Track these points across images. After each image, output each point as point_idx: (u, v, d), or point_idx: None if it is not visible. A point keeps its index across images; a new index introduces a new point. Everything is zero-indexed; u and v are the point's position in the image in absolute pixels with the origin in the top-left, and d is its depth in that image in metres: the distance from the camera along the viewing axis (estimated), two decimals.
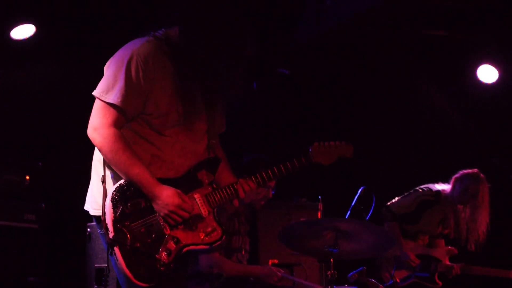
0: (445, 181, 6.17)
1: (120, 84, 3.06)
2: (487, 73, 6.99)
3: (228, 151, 3.58)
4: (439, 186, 6.12)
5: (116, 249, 2.92)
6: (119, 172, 3.07)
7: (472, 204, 6.00)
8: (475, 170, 6.06)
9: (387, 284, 5.11)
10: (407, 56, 7.19)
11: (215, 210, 3.23)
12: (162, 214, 3.05)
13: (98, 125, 3.07)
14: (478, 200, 5.97)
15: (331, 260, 4.11)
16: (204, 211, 3.17)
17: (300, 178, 7.83)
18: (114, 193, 3.02)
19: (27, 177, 5.29)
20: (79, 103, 6.32)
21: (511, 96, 7.05)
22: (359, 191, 5.49)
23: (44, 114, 6.29)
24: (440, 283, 6.05)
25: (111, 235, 2.93)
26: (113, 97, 3.05)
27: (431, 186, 6.13)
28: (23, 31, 5.92)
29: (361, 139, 7.92)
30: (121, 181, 3.06)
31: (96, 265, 5.20)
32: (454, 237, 6.14)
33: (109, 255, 2.98)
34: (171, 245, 3.04)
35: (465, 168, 6.21)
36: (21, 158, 5.42)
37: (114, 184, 3.07)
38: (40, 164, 5.42)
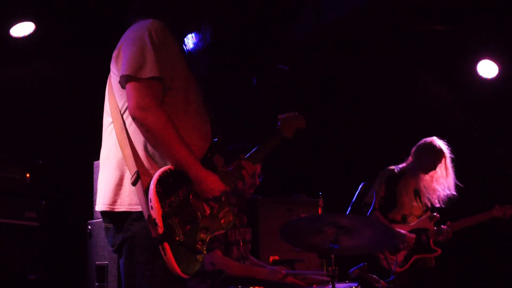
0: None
1: (151, 57, 3.01)
2: (487, 68, 6.99)
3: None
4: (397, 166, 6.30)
5: (166, 245, 2.87)
6: (166, 153, 3.00)
7: (435, 170, 6.18)
8: (433, 138, 6.21)
9: (389, 279, 5.10)
10: (406, 51, 7.19)
11: (227, 194, 3.25)
12: (204, 197, 3.07)
13: (147, 105, 2.96)
14: (442, 165, 6.15)
15: (332, 256, 4.12)
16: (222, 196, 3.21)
17: (301, 174, 7.86)
18: (158, 186, 2.92)
19: (28, 175, 5.28)
20: (79, 101, 6.37)
21: (511, 91, 7.05)
22: (359, 187, 5.48)
23: (44, 111, 6.29)
24: (439, 250, 6.11)
25: (161, 230, 2.86)
26: (150, 70, 2.99)
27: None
28: (22, 29, 5.92)
29: (361, 134, 7.94)
30: (159, 172, 2.97)
31: (97, 263, 5.20)
32: (432, 204, 6.23)
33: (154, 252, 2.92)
34: (203, 234, 3.07)
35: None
36: (21, 156, 5.41)
37: (150, 177, 2.99)
38: (40, 161, 5.41)
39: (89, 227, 5.35)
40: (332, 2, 6.58)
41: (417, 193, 6.23)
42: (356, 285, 4.50)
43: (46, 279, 5.24)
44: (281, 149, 7.90)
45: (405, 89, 7.49)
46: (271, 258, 5.14)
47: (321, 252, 4.70)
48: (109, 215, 3.14)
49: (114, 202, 3.09)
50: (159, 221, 2.87)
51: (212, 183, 3.07)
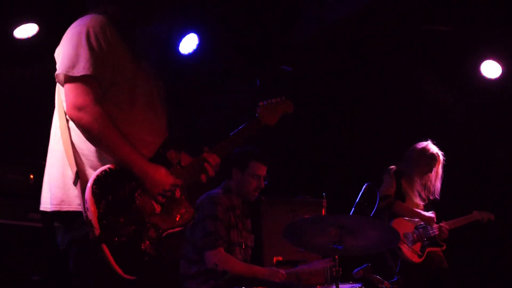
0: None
1: (84, 54, 2.96)
2: (491, 69, 6.99)
3: None
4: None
5: (104, 246, 2.81)
6: (108, 151, 2.94)
7: (429, 173, 6.33)
8: (428, 142, 6.36)
9: (392, 280, 5.09)
10: (410, 51, 7.18)
11: (185, 190, 3.19)
12: (153, 192, 3.00)
13: (82, 104, 2.92)
14: (435, 169, 6.29)
15: (336, 256, 4.11)
16: (177, 192, 3.14)
17: (304, 175, 7.85)
18: (94, 187, 2.86)
19: (32, 176, 5.29)
20: None
21: None
22: (363, 188, 5.48)
23: (47, 112, 6.28)
24: (444, 245, 6.24)
25: (97, 232, 2.79)
26: (83, 68, 2.94)
27: None
28: (26, 30, 5.93)
29: (365, 135, 7.93)
30: (97, 172, 2.92)
31: None
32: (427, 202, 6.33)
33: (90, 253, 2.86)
34: (152, 233, 2.99)
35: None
36: (25, 157, 5.41)
37: (89, 176, 2.92)
38: (44, 162, 5.41)
39: None
40: (335, 3, 6.58)
41: (418, 193, 6.30)
42: (359, 286, 4.51)
43: (49, 280, 5.24)
44: (284, 150, 7.91)
45: (408, 90, 7.48)
46: (274, 259, 5.14)
47: (325, 252, 4.69)
48: (58, 215, 3.05)
49: (61, 201, 3.02)
50: (94, 223, 2.80)
51: (160, 177, 3.00)
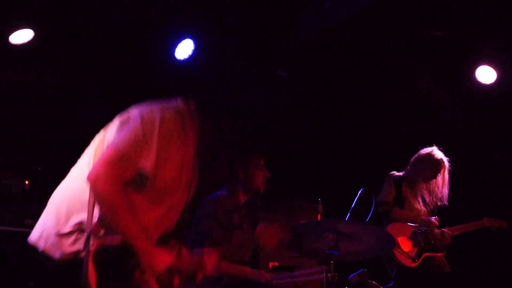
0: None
1: (136, 139, 2.94)
2: (486, 74, 7.00)
3: None
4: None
5: None
6: (113, 222, 2.88)
7: (434, 179, 6.29)
8: (433, 148, 6.30)
9: (388, 285, 5.11)
10: (407, 56, 7.19)
11: (184, 280, 3.18)
12: (158, 271, 2.97)
13: (104, 174, 2.86)
14: (440, 175, 6.25)
15: (332, 262, 4.11)
16: (176, 280, 3.12)
17: (300, 180, 7.86)
18: (96, 255, 2.82)
19: (27, 182, 5.28)
20: (78, 107, 6.37)
21: (509, 97, 7.06)
22: (359, 193, 5.49)
23: (43, 118, 6.29)
24: (445, 250, 6.18)
25: None
26: (128, 150, 2.91)
27: None
28: (21, 36, 5.94)
29: (361, 140, 7.94)
30: (101, 245, 2.87)
31: None
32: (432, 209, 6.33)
33: None
34: None
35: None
36: (20, 163, 5.41)
37: (94, 239, 2.88)
38: (39, 168, 5.41)
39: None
40: (333, 7, 6.59)
41: (422, 199, 6.29)
42: None
43: (45, 287, 5.23)
44: (280, 155, 7.91)
45: (406, 95, 7.49)
46: (270, 264, 5.14)
47: (321, 258, 4.69)
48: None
49: (52, 246, 2.97)
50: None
51: (159, 255, 2.97)
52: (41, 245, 2.99)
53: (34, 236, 3.05)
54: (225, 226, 4.76)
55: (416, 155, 6.35)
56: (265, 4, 6.69)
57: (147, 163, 2.96)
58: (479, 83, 7.04)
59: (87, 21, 6.17)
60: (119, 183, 2.88)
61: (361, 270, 4.97)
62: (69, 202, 3.04)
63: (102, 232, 2.92)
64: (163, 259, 2.99)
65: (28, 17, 5.91)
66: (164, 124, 3.00)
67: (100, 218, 2.93)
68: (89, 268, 2.80)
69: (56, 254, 2.95)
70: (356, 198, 5.49)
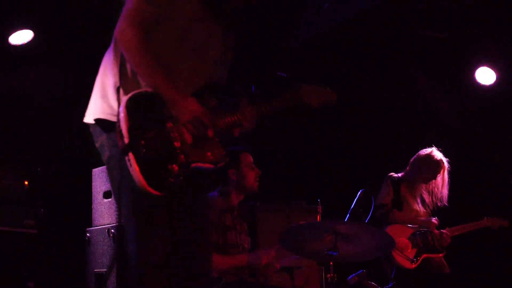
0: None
1: None
2: (485, 75, 7.01)
3: None
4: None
5: (131, 155, 2.85)
6: (141, 73, 3.04)
7: (434, 180, 6.26)
8: (433, 149, 6.26)
9: (387, 286, 5.10)
10: (406, 57, 7.20)
11: (218, 133, 3.20)
12: (185, 119, 3.04)
13: (126, 25, 3.08)
14: (440, 175, 6.23)
15: (331, 263, 4.11)
16: (210, 132, 3.14)
17: (299, 181, 7.86)
18: (128, 102, 2.95)
19: (26, 182, 5.29)
20: (78, 108, 6.37)
21: (508, 98, 7.06)
22: (358, 194, 5.49)
23: (42, 118, 6.30)
24: (445, 251, 6.14)
25: (126, 140, 2.86)
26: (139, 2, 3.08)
27: None
28: (21, 37, 5.94)
29: (360, 141, 7.94)
30: (134, 92, 3.01)
31: (95, 270, 5.18)
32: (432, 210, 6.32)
33: (123, 161, 2.91)
34: (181, 158, 3.00)
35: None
36: (20, 163, 5.41)
37: (127, 94, 3.03)
38: (39, 169, 5.41)
39: (88, 234, 5.33)
40: (331, 9, 6.60)
41: (421, 200, 6.28)
42: None
43: (44, 287, 5.24)
44: (279, 155, 7.91)
45: (405, 96, 7.50)
46: None
47: (320, 259, 4.69)
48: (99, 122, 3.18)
49: (91, 112, 3.22)
50: (125, 132, 2.88)
51: (192, 104, 3.06)
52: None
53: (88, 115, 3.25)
54: (218, 227, 4.75)
55: (415, 156, 6.34)
56: (265, 4, 6.69)
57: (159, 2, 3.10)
58: (478, 85, 7.05)
59: (87, 21, 6.18)
60: (140, 32, 3.04)
61: (361, 271, 4.98)
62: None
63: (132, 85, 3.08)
64: (190, 108, 3.05)
65: (28, 18, 5.92)
66: None
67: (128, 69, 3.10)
68: (121, 116, 2.92)
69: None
70: (355, 199, 5.49)
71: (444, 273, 6.11)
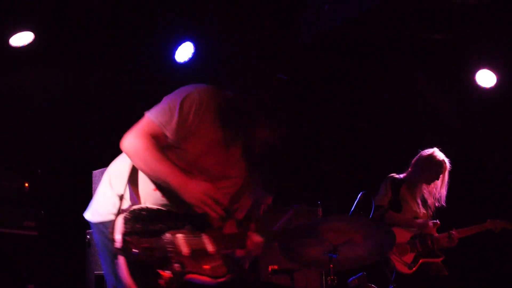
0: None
1: (171, 114, 3.08)
2: (486, 78, 7.01)
3: None
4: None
5: (122, 258, 2.89)
6: (146, 170, 3.05)
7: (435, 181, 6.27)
8: (435, 149, 6.26)
9: None
10: (406, 58, 7.20)
11: (221, 252, 3.21)
12: (194, 201, 3.02)
13: (134, 133, 3.08)
14: (441, 177, 6.23)
15: (331, 266, 4.09)
16: (210, 248, 3.16)
17: (300, 184, 7.85)
18: (127, 214, 2.99)
19: (27, 184, 5.29)
20: (78, 109, 6.38)
21: (509, 101, 7.06)
22: (358, 196, 5.49)
23: (43, 120, 6.30)
24: (443, 256, 6.14)
25: (119, 245, 2.90)
26: (156, 116, 3.10)
27: None
28: (21, 38, 5.95)
29: (361, 142, 7.94)
30: (135, 207, 3.04)
31: (95, 272, 5.19)
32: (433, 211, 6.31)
33: (113, 263, 2.96)
34: (175, 267, 2.99)
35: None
36: (20, 165, 5.41)
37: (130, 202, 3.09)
38: (39, 170, 5.41)
39: (88, 236, 5.35)
40: (332, 10, 6.60)
41: (422, 201, 6.27)
42: None
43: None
44: (280, 158, 7.90)
45: (405, 98, 7.50)
46: (269, 268, 5.13)
47: (319, 267, 4.66)
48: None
49: (93, 211, 3.29)
50: (118, 237, 2.92)
51: (201, 186, 3.02)
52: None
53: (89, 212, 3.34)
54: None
55: (417, 157, 6.31)
56: (265, 4, 6.70)
57: (169, 130, 3.08)
58: (479, 87, 7.05)
59: (87, 23, 6.18)
60: (144, 136, 3.05)
61: (361, 273, 4.97)
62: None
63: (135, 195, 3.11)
64: (199, 187, 3.02)
65: (28, 20, 5.92)
66: (198, 95, 3.14)
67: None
68: (116, 225, 2.95)
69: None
70: (356, 202, 5.49)
71: (443, 275, 6.11)
